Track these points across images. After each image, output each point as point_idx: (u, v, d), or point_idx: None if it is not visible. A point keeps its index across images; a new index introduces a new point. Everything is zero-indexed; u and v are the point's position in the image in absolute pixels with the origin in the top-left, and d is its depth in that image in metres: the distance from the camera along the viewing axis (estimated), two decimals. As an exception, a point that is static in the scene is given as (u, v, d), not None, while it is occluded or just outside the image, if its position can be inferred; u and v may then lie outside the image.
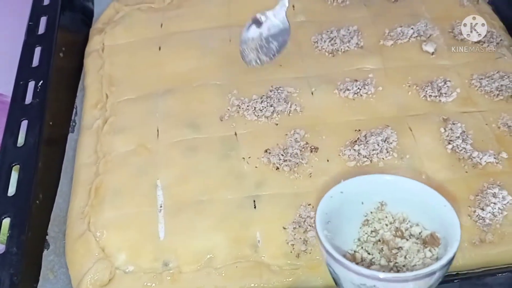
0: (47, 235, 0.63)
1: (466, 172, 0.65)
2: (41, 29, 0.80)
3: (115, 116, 0.73)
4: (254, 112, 0.71)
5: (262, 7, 0.75)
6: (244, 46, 0.75)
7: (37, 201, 0.63)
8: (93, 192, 0.65)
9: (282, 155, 0.66)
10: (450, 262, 0.48)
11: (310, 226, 0.60)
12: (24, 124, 0.69)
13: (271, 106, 0.72)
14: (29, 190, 0.63)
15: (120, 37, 0.83)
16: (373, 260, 0.53)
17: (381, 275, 0.47)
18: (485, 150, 0.67)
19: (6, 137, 0.67)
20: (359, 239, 0.55)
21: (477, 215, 0.61)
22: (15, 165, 0.65)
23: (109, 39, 0.83)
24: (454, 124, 0.69)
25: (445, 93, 0.73)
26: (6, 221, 0.60)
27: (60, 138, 0.73)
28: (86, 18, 0.89)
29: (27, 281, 0.58)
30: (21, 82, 0.73)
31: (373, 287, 0.47)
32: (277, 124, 0.71)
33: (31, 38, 0.79)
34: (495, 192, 0.62)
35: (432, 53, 0.78)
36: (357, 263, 0.50)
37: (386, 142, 0.67)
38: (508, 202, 0.62)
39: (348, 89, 0.73)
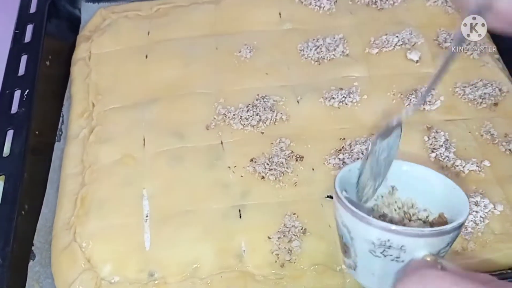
0: (33, 245, 0.63)
1: (449, 180, 0.66)
2: (28, 37, 0.79)
3: (101, 125, 0.73)
4: (240, 121, 0.72)
5: (248, 16, 0.75)
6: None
7: (23, 212, 0.63)
8: (79, 202, 0.65)
9: (268, 164, 0.67)
10: (461, 226, 0.48)
11: (295, 235, 0.61)
12: (10, 133, 0.69)
13: (257, 115, 0.72)
14: (14, 201, 0.62)
15: (107, 45, 0.83)
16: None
17: (402, 228, 0.46)
18: (468, 159, 0.67)
19: (-9, 147, 0.67)
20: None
21: (459, 224, 0.62)
22: (0, 175, 0.65)
23: (96, 47, 0.83)
24: (437, 132, 0.70)
25: (429, 101, 0.74)
26: (-9, 232, 0.60)
27: (46, 148, 0.73)
28: (73, 25, 0.88)
29: (13, 292, 0.58)
30: (7, 91, 0.73)
31: (387, 241, 0.47)
32: (263, 133, 0.71)
33: (17, 46, 0.78)
34: (477, 201, 0.63)
35: (417, 61, 0.79)
36: None
37: (370, 151, 0.68)
38: (489, 211, 0.63)
39: (333, 98, 0.74)
